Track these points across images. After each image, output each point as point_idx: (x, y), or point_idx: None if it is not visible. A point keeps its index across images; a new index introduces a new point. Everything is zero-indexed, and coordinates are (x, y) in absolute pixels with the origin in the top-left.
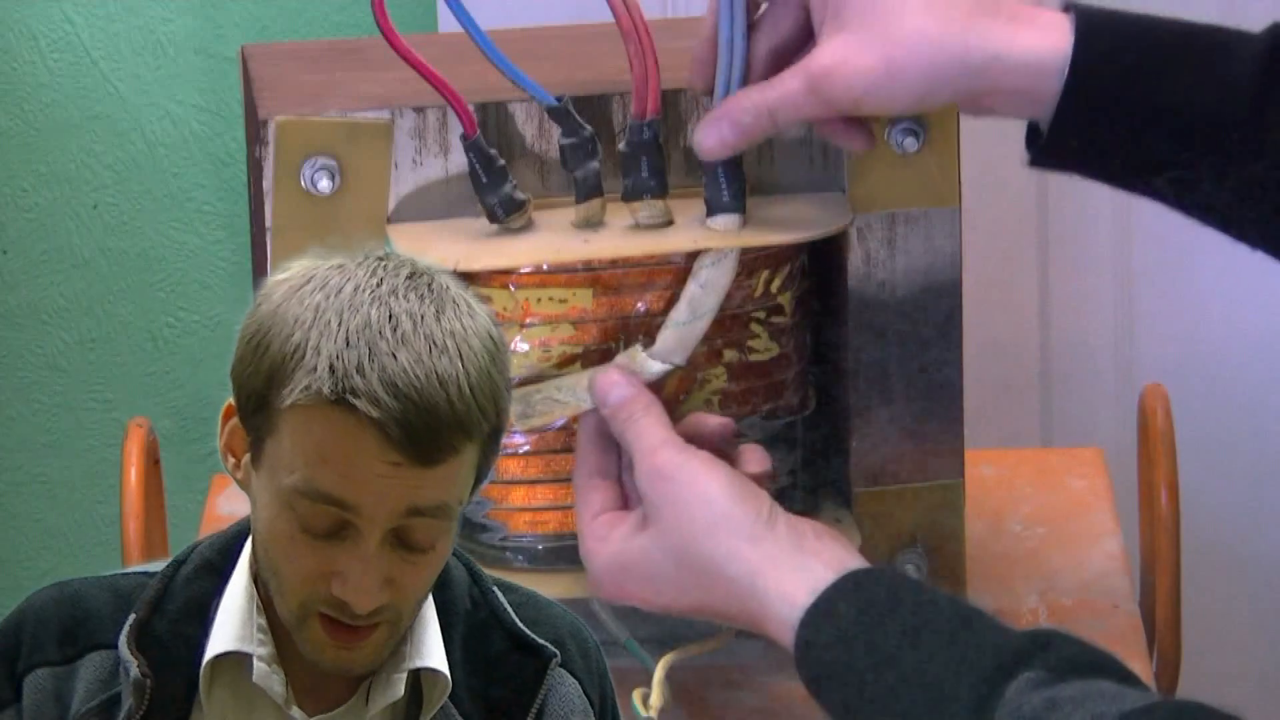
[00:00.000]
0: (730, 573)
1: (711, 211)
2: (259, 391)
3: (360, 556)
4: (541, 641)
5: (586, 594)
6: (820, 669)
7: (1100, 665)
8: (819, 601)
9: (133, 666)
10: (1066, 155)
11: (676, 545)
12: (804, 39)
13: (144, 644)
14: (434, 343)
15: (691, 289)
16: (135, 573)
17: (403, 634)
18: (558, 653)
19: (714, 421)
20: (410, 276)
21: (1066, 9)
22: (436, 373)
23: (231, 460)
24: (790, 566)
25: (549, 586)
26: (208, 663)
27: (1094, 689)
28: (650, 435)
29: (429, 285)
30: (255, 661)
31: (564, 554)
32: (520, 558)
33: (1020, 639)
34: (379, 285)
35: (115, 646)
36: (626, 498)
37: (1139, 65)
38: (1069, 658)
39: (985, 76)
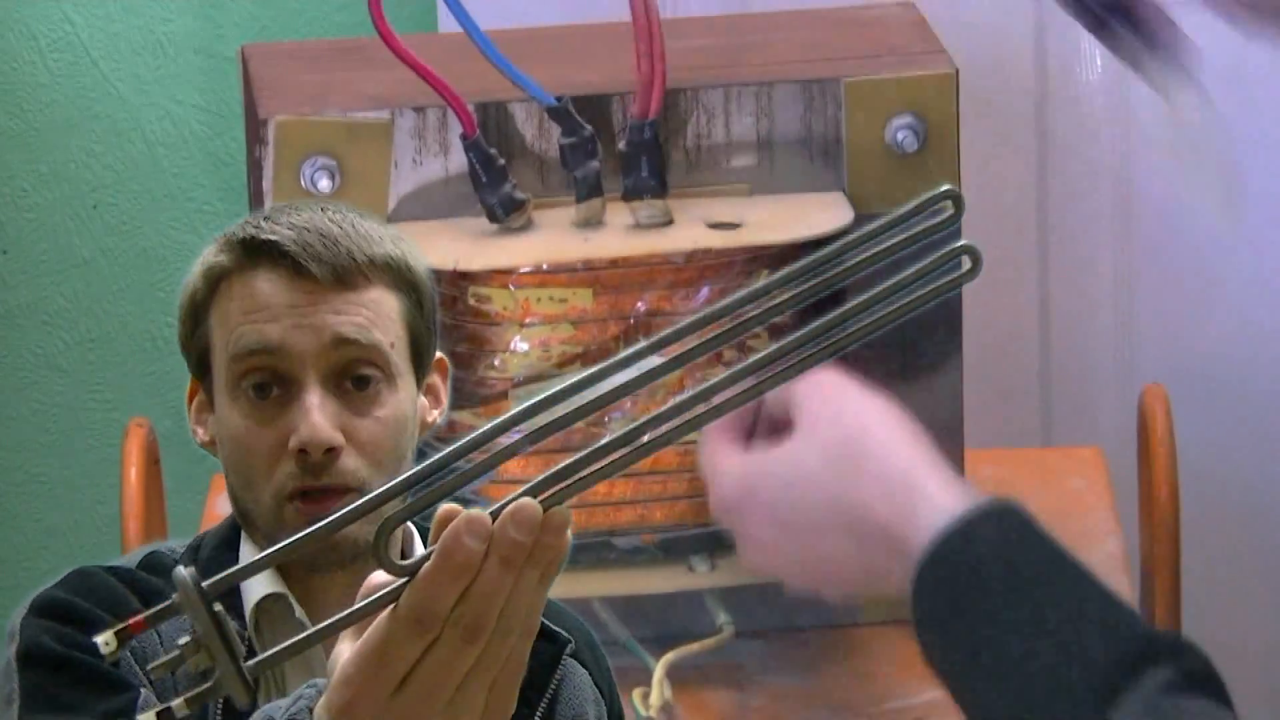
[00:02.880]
0: (889, 463)
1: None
2: (189, 309)
3: (302, 401)
4: (556, 628)
5: (585, 594)
6: (951, 583)
7: (1218, 688)
8: (972, 515)
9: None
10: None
11: (830, 438)
12: None
13: None
14: (325, 208)
15: None
16: (153, 550)
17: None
18: (572, 640)
19: None
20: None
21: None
22: (332, 219)
23: (200, 430)
24: (943, 474)
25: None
26: (255, 605)
27: (1214, 712)
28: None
29: (325, 206)
30: (293, 601)
31: None
32: None
33: (1163, 636)
34: (274, 206)
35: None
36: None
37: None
38: (1198, 671)
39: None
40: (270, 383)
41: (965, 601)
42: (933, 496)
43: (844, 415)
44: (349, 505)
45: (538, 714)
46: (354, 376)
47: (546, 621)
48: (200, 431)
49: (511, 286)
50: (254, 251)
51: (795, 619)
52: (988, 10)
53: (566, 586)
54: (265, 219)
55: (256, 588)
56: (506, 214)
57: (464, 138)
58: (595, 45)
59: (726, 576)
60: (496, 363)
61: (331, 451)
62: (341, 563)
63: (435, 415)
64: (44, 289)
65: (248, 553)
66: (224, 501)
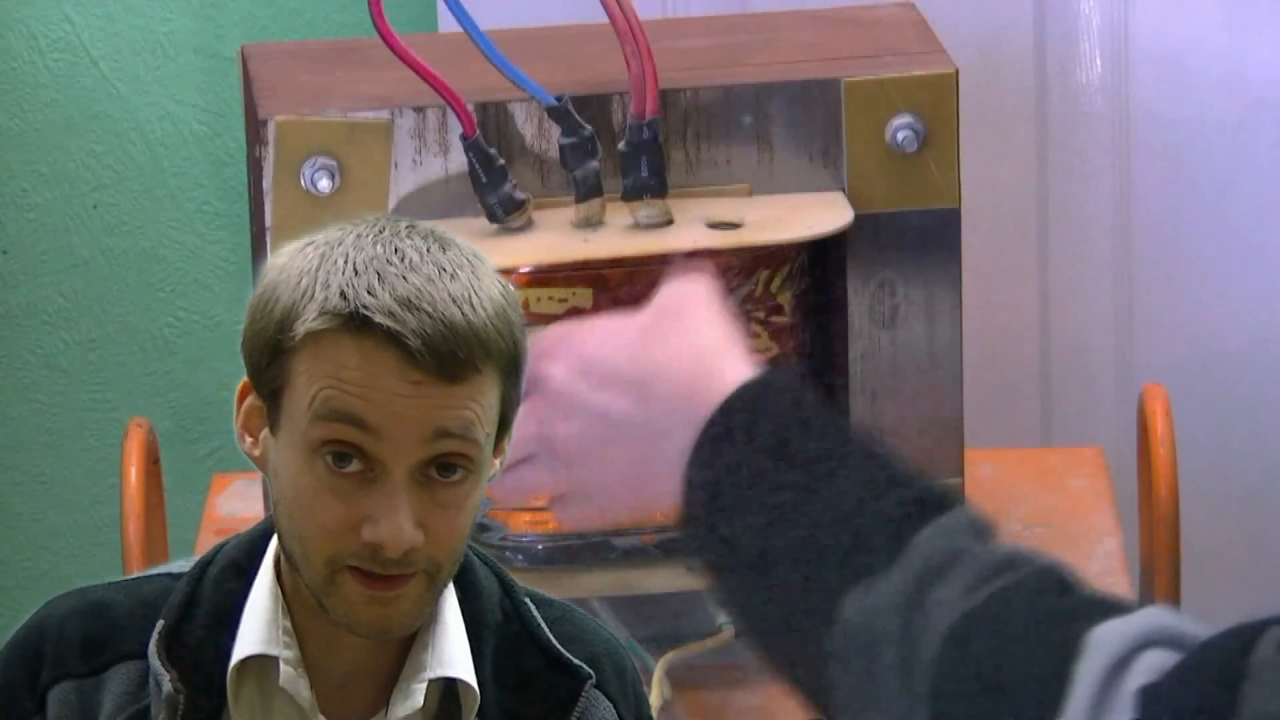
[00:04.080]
0: (698, 336)
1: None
2: (272, 341)
3: (389, 493)
4: (577, 662)
5: (589, 594)
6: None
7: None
8: (764, 376)
9: (165, 681)
10: None
11: (652, 310)
12: None
13: (174, 652)
14: (442, 268)
15: None
16: (158, 575)
17: (440, 597)
18: (593, 674)
19: None
20: (410, 225)
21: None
22: (449, 291)
23: (249, 440)
24: (743, 352)
25: (549, 586)
26: (234, 667)
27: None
28: None
29: (431, 231)
30: (281, 665)
31: (564, 554)
32: (520, 557)
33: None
34: (381, 232)
35: (142, 656)
36: None
37: None
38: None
39: None
40: (352, 455)
41: (756, 447)
42: (734, 366)
43: (672, 296)
44: (411, 588)
45: None
46: (441, 465)
47: (566, 654)
48: (249, 441)
49: (512, 286)
50: (364, 327)
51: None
52: (988, 10)
53: (568, 586)
54: (379, 276)
55: (247, 643)
56: (506, 214)
57: (464, 138)
58: (595, 45)
59: None
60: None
61: (408, 550)
62: (390, 638)
63: (496, 465)
64: (44, 289)
65: (263, 584)
66: (224, 501)
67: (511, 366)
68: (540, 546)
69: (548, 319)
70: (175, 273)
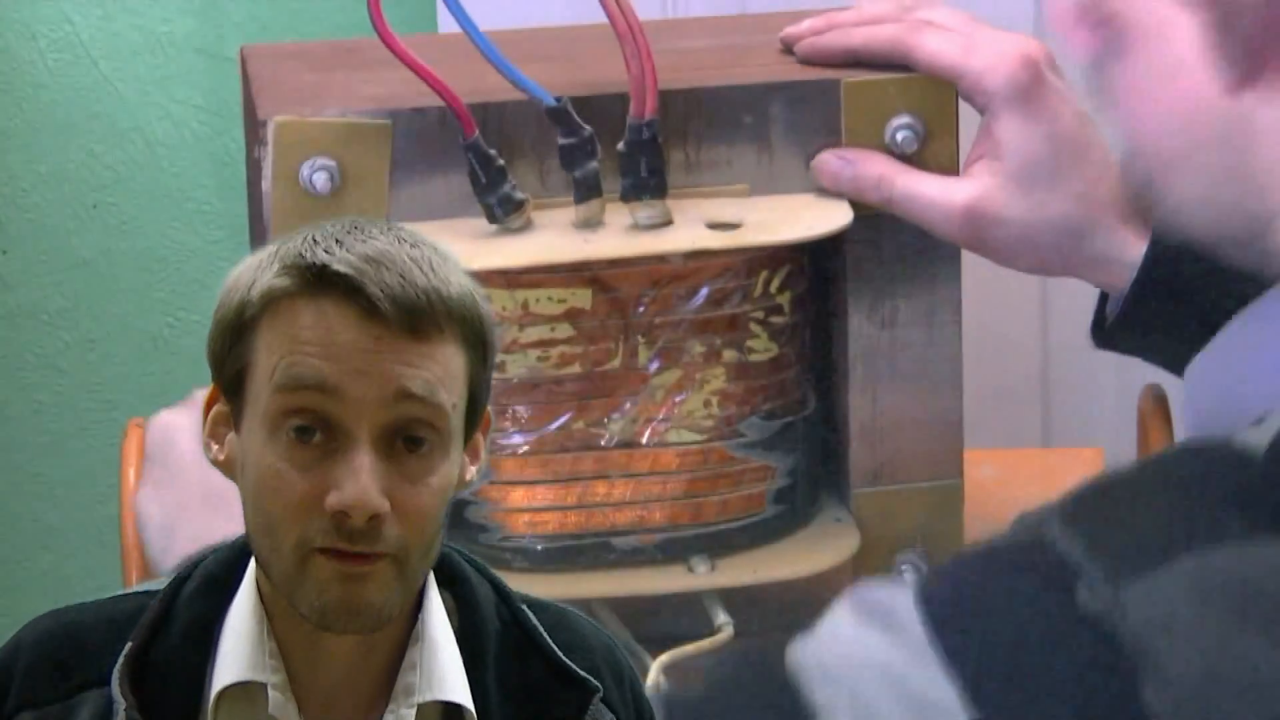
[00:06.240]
0: None
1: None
2: (232, 324)
3: (352, 459)
4: (584, 674)
5: (586, 594)
6: None
7: None
8: None
9: (121, 709)
10: (1127, 342)
11: None
12: None
13: (140, 675)
14: (403, 239)
15: None
16: (135, 593)
17: (413, 592)
18: (600, 687)
19: None
20: (362, 220)
21: None
22: (409, 254)
23: (215, 447)
24: None
25: (548, 587)
26: (217, 694)
27: None
28: None
29: (384, 222)
30: (271, 691)
31: (563, 555)
32: (519, 558)
33: None
34: (336, 222)
35: (110, 683)
36: None
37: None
38: None
39: (1095, 272)
40: (315, 426)
41: None
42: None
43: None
44: (380, 570)
45: None
46: (408, 436)
47: (572, 665)
48: (215, 448)
49: (510, 287)
50: (323, 281)
51: (794, 620)
52: (988, 10)
53: (567, 587)
54: (337, 242)
55: (230, 669)
56: (505, 215)
57: (464, 138)
58: (595, 45)
59: (726, 577)
60: (496, 363)
61: (375, 519)
62: (360, 629)
63: (473, 472)
64: (44, 289)
65: (246, 603)
66: None
67: (477, 340)
68: (539, 547)
69: (547, 319)
70: (175, 273)
